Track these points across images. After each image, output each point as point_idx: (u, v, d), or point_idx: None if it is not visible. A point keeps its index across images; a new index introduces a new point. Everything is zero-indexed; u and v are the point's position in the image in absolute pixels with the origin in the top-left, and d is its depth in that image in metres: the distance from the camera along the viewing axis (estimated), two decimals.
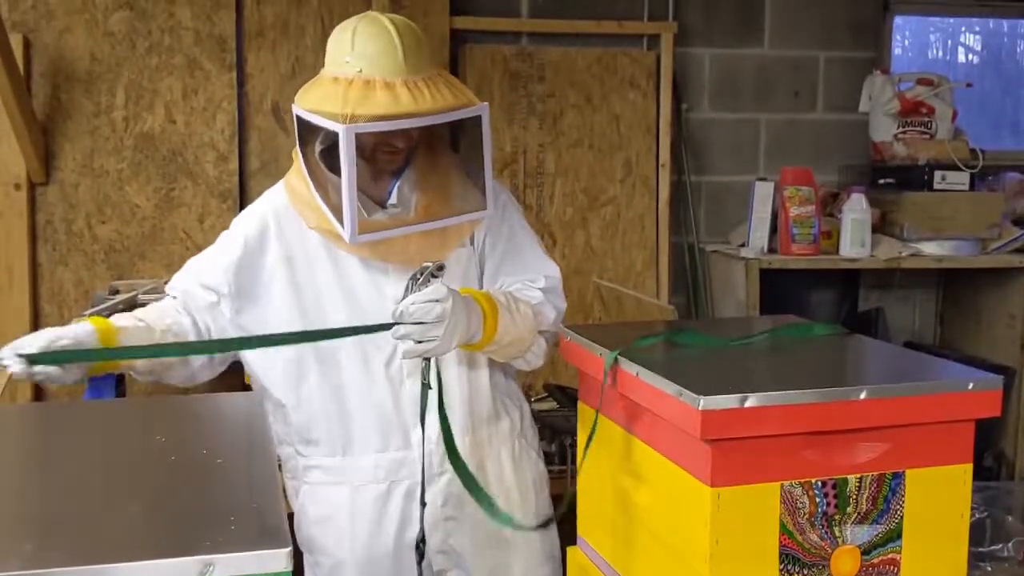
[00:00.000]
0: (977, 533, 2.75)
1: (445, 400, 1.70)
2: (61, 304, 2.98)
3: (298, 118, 1.69)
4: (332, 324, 1.71)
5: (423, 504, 1.70)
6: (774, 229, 3.18)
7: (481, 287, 1.81)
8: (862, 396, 1.31)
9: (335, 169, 1.64)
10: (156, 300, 1.84)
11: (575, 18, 3.27)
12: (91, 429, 1.12)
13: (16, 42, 2.82)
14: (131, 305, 2.46)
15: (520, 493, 1.86)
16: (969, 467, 1.38)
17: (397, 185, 1.72)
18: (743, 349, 1.63)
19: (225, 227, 1.83)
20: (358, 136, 1.58)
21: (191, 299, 1.74)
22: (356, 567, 1.78)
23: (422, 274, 1.55)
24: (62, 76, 2.95)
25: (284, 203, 1.77)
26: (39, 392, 2.91)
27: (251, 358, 1.75)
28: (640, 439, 1.49)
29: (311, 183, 1.69)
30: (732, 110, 3.50)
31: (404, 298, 1.54)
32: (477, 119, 1.67)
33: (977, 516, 2.82)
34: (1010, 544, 2.78)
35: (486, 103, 1.69)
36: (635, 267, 3.35)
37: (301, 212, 1.72)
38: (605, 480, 1.63)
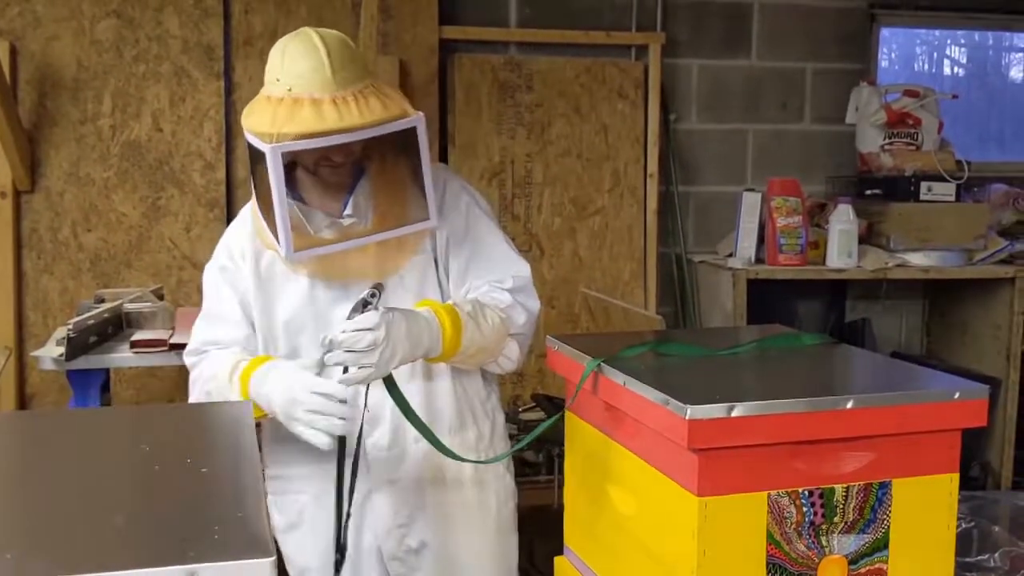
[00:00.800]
0: (964, 543, 2.76)
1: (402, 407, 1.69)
2: (46, 313, 2.96)
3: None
4: (300, 347, 1.73)
5: (346, 512, 1.69)
6: (761, 240, 3.18)
7: (445, 292, 1.79)
8: (849, 405, 1.31)
9: (305, 185, 1.67)
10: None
11: (563, 28, 3.28)
12: (76, 438, 1.11)
13: (2, 49, 2.81)
14: (116, 314, 2.45)
15: (477, 500, 1.83)
16: (955, 477, 1.38)
17: (352, 197, 1.71)
18: (730, 359, 1.64)
19: (212, 237, 1.84)
20: (297, 153, 1.59)
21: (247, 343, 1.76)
22: (320, 573, 1.77)
23: (360, 298, 1.56)
24: (49, 83, 2.94)
25: (250, 228, 1.78)
26: (23, 400, 2.89)
27: None
28: (627, 448, 1.49)
29: (258, 203, 1.70)
30: (720, 121, 3.51)
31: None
32: (412, 130, 1.66)
33: (963, 526, 2.83)
34: (996, 554, 2.78)
35: (421, 114, 1.68)
36: (623, 277, 3.35)
37: (259, 234, 1.73)
38: (592, 489, 1.62)
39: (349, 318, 1.54)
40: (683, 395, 1.29)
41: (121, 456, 1.09)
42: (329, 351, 1.54)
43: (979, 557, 2.79)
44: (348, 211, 1.70)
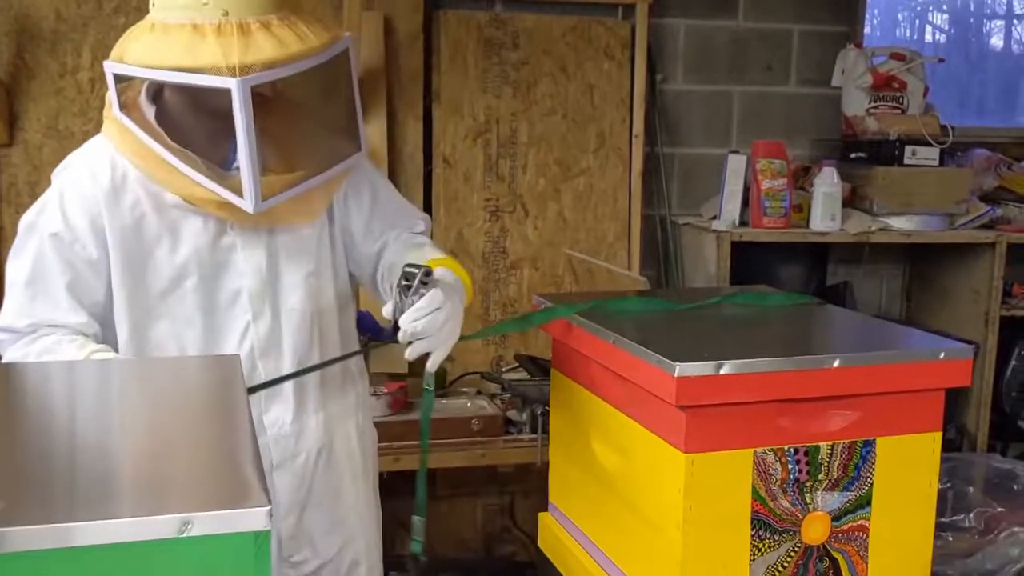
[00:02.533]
0: (939, 504, 2.80)
1: (301, 381, 1.66)
2: None
3: (127, 79, 1.51)
4: (179, 316, 1.59)
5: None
6: (746, 202, 3.19)
7: (336, 247, 1.72)
8: (835, 364, 1.32)
9: (186, 131, 1.51)
10: None
11: None
12: (62, 389, 1.10)
13: None
14: None
15: (363, 465, 1.81)
16: (938, 435, 1.41)
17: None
18: (716, 318, 1.64)
19: None
20: (215, 92, 1.41)
21: (87, 325, 1.57)
22: None
23: (408, 281, 1.46)
24: (26, 36, 2.88)
25: (109, 177, 1.55)
26: None
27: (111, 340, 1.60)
28: (614, 406, 1.49)
29: (165, 152, 1.50)
30: (706, 82, 3.50)
31: (398, 310, 1.46)
32: (345, 53, 1.56)
33: (939, 487, 2.87)
34: (971, 515, 2.83)
35: (350, 34, 1.58)
36: (607, 239, 3.35)
37: (162, 180, 1.53)
38: (576, 447, 1.63)
39: (401, 302, 1.45)
40: (671, 353, 1.30)
41: (109, 407, 1.08)
42: (390, 339, 1.46)
43: (954, 517, 2.83)
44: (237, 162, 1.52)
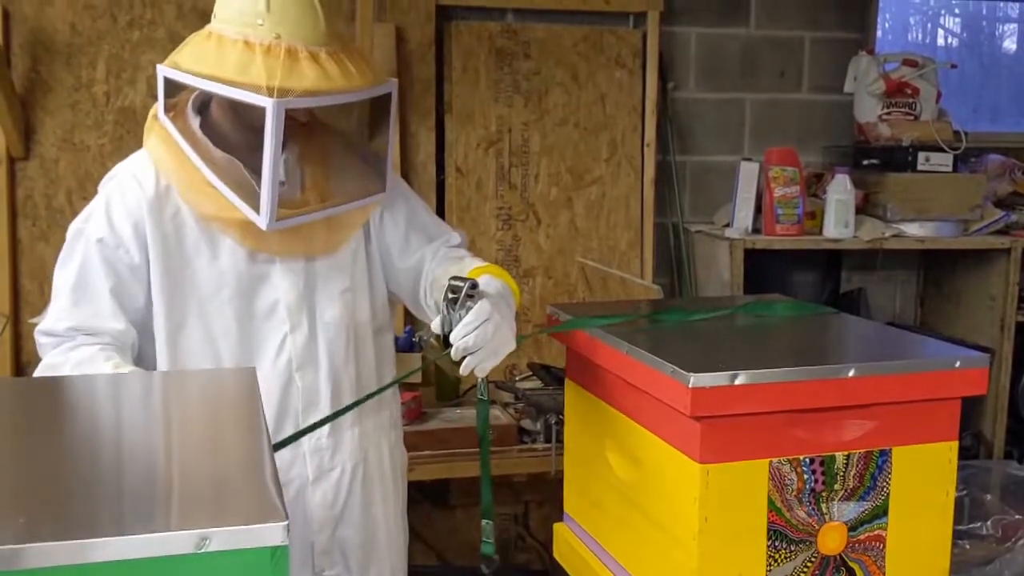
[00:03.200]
0: (956, 511, 2.78)
1: (338, 394, 1.67)
2: (43, 281, 2.94)
3: (175, 81, 1.53)
4: (216, 327, 1.61)
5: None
6: (758, 209, 3.18)
7: (373, 266, 1.74)
8: (851, 374, 1.32)
9: (226, 143, 1.54)
10: None
11: None
12: (80, 403, 1.11)
13: None
14: None
15: (393, 484, 1.83)
16: (955, 444, 1.40)
17: (282, 160, 1.57)
18: (730, 328, 1.64)
19: None
20: (254, 108, 1.45)
21: (127, 335, 1.59)
22: None
23: (455, 294, 1.46)
24: (42, 49, 2.90)
25: (153, 187, 1.58)
26: (19, 369, 2.88)
27: (148, 350, 1.63)
28: (628, 416, 1.49)
29: (199, 162, 1.54)
30: (717, 90, 3.50)
31: (446, 324, 1.46)
32: (387, 96, 1.60)
33: (956, 495, 2.85)
34: (988, 522, 2.81)
35: (395, 79, 1.63)
36: (619, 247, 3.35)
37: (188, 198, 1.58)
38: (591, 458, 1.63)
39: (449, 316, 1.45)
40: (686, 363, 1.30)
41: (127, 421, 1.09)
42: (439, 355, 1.47)
43: (971, 525, 2.82)
44: (280, 177, 1.57)
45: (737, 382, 1.28)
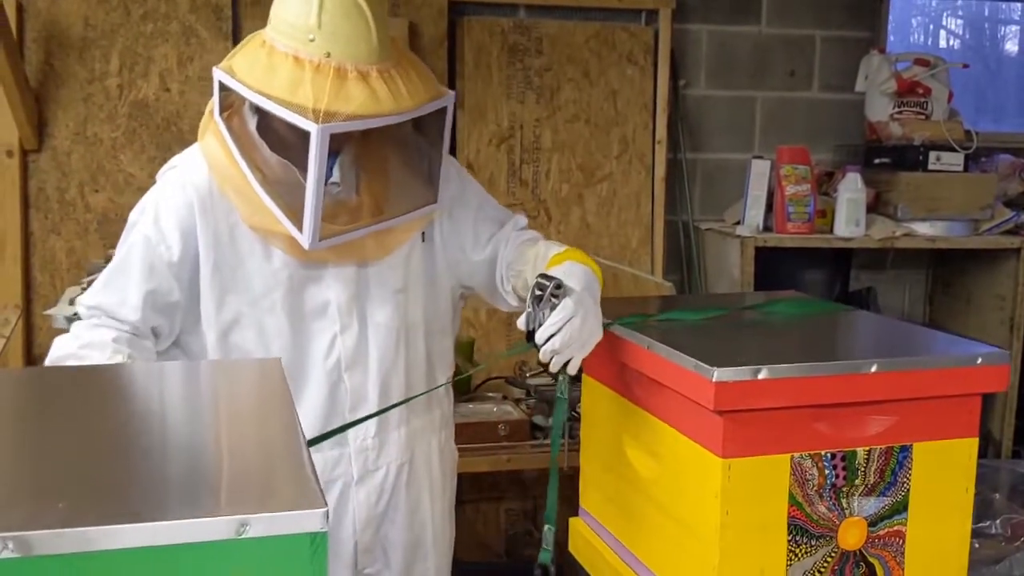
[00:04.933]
0: None
1: (386, 395, 1.67)
2: (53, 273, 2.95)
3: (229, 88, 1.52)
4: (269, 325, 1.61)
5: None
6: (769, 207, 3.19)
7: (429, 262, 1.73)
8: (873, 369, 1.32)
9: (283, 145, 1.52)
10: None
11: None
12: (108, 392, 1.11)
13: (9, 7, 2.78)
14: None
15: (441, 483, 1.83)
16: (975, 441, 1.40)
17: (338, 161, 1.58)
18: (749, 324, 1.64)
19: None
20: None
21: (143, 324, 1.59)
22: None
23: (542, 291, 1.47)
24: (55, 42, 2.91)
25: (207, 182, 1.58)
26: (31, 361, 2.89)
27: (194, 346, 1.64)
28: (648, 411, 1.49)
29: (247, 170, 1.53)
30: (728, 87, 3.50)
31: (532, 321, 1.47)
32: (443, 109, 1.58)
33: None
34: (997, 521, 2.82)
35: (452, 92, 1.60)
36: (630, 244, 3.35)
37: (236, 203, 1.56)
38: (609, 452, 1.64)
39: (535, 314, 1.46)
40: (709, 358, 1.30)
41: (156, 409, 1.09)
42: (524, 348, 1.47)
43: (980, 524, 2.82)
44: (335, 178, 1.58)
45: (760, 376, 1.28)
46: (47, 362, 1.57)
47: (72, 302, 2.23)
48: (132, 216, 1.65)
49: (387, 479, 1.71)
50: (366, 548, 1.72)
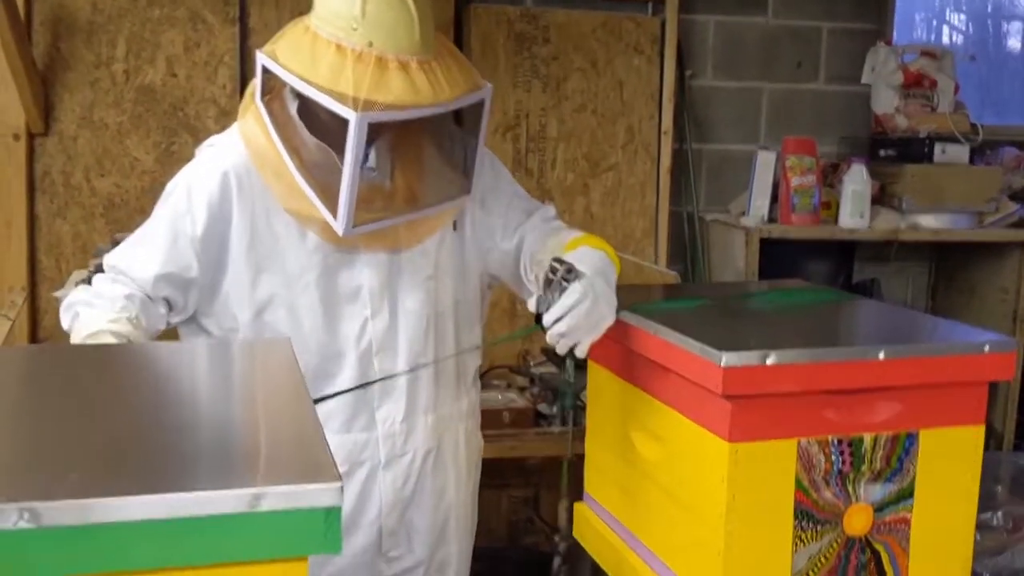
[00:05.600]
0: None
1: (414, 381, 1.68)
2: (59, 257, 2.95)
3: (272, 72, 1.53)
4: (302, 306, 1.62)
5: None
6: (774, 199, 3.18)
7: (460, 249, 1.74)
8: (881, 356, 1.32)
9: (323, 128, 1.52)
10: None
11: None
12: (120, 370, 1.12)
13: None
14: None
15: (467, 470, 1.84)
16: (981, 429, 1.40)
17: (375, 147, 1.59)
18: (756, 311, 1.65)
19: None
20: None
21: (154, 289, 1.60)
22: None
23: (553, 274, 1.47)
24: (63, 26, 2.91)
25: (245, 163, 1.59)
26: (36, 342, 2.89)
27: (215, 329, 1.65)
28: (654, 397, 1.50)
29: (286, 153, 1.54)
30: (735, 78, 3.49)
31: (542, 305, 1.47)
32: (481, 101, 1.58)
33: None
34: (999, 513, 2.82)
35: (491, 84, 1.60)
36: (635, 235, 3.35)
37: (272, 186, 1.58)
38: (615, 438, 1.64)
39: (546, 297, 1.47)
40: (717, 343, 1.30)
41: (170, 386, 1.09)
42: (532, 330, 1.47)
43: (982, 516, 2.83)
44: (371, 163, 1.60)
45: (768, 362, 1.28)
46: (62, 306, 1.60)
47: (79, 284, 2.23)
48: (168, 187, 1.67)
49: (414, 464, 1.73)
50: (391, 531, 1.74)
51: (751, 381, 1.28)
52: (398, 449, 1.71)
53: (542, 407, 2.65)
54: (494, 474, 3.12)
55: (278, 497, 0.75)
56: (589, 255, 1.55)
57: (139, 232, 1.66)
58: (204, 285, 1.62)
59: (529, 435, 2.56)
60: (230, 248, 1.61)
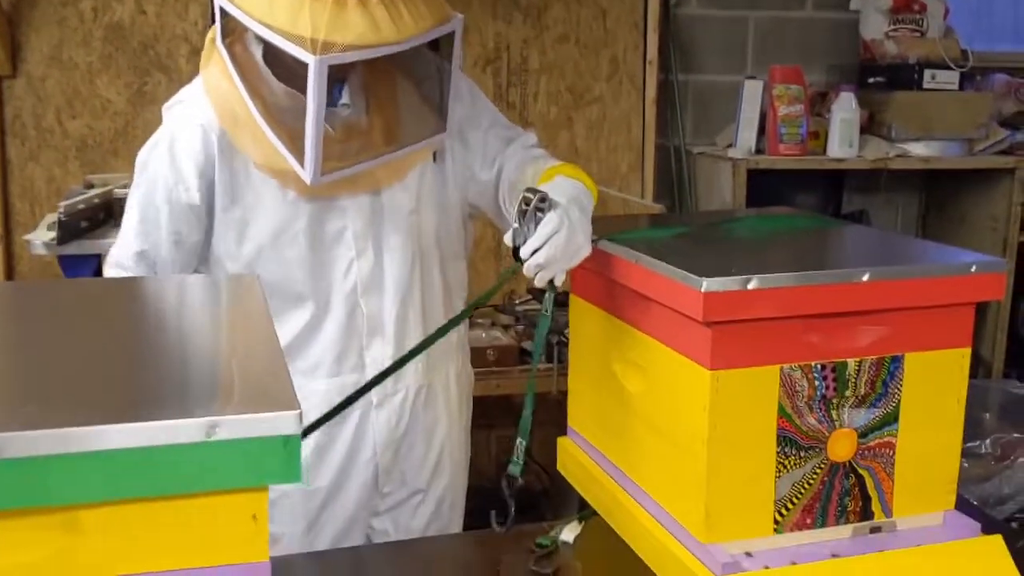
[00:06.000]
0: None
1: (403, 320, 1.67)
2: (32, 201, 2.90)
3: (230, 16, 1.47)
4: (290, 257, 1.60)
5: None
6: (762, 130, 3.14)
7: (441, 181, 1.71)
8: (865, 278, 1.29)
9: (291, 72, 1.46)
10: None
11: None
12: (84, 305, 1.08)
13: None
14: (106, 200, 2.40)
15: (458, 405, 1.84)
16: (967, 351, 1.38)
17: (347, 84, 1.56)
18: (738, 237, 1.61)
19: None
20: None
21: (172, 268, 1.60)
22: (305, 495, 1.72)
23: (527, 205, 1.42)
24: None
25: (217, 117, 1.54)
26: (10, 273, 2.85)
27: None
28: (635, 327, 1.47)
29: (251, 103, 1.48)
30: (721, 6, 3.42)
31: (518, 237, 1.42)
32: (451, 34, 1.53)
33: None
34: (987, 441, 2.81)
35: (461, 15, 1.54)
36: (620, 170, 3.31)
37: (242, 144, 1.53)
38: (597, 371, 1.62)
39: (520, 232, 1.42)
40: (697, 269, 1.27)
41: (132, 320, 1.06)
42: (514, 268, 1.43)
43: (970, 444, 2.82)
44: (344, 100, 1.57)
45: (750, 287, 1.25)
46: None
47: (51, 227, 2.19)
48: (142, 156, 1.62)
49: (406, 402, 1.73)
50: (386, 470, 1.75)
51: (732, 307, 1.25)
52: (390, 388, 1.70)
53: (527, 344, 2.63)
54: (481, 414, 3.11)
55: (235, 425, 0.72)
56: (564, 184, 1.51)
57: (133, 217, 1.61)
58: (204, 245, 1.62)
59: (514, 373, 2.55)
60: (215, 206, 1.58)
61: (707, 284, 1.23)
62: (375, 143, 1.58)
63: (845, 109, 3.07)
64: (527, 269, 1.43)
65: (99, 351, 0.91)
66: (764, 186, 3.12)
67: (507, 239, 1.47)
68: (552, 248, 1.42)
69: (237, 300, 1.10)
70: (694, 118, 3.46)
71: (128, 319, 1.05)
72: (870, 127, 3.21)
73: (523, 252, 1.42)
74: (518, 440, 1.53)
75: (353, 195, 1.62)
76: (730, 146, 3.19)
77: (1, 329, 0.99)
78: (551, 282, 1.47)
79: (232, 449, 0.72)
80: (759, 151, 3.13)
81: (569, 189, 1.51)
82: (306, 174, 1.47)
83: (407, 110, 1.63)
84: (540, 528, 1.53)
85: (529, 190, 1.45)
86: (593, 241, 1.49)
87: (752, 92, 3.11)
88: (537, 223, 1.42)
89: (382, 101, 1.61)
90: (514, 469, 1.52)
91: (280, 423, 0.72)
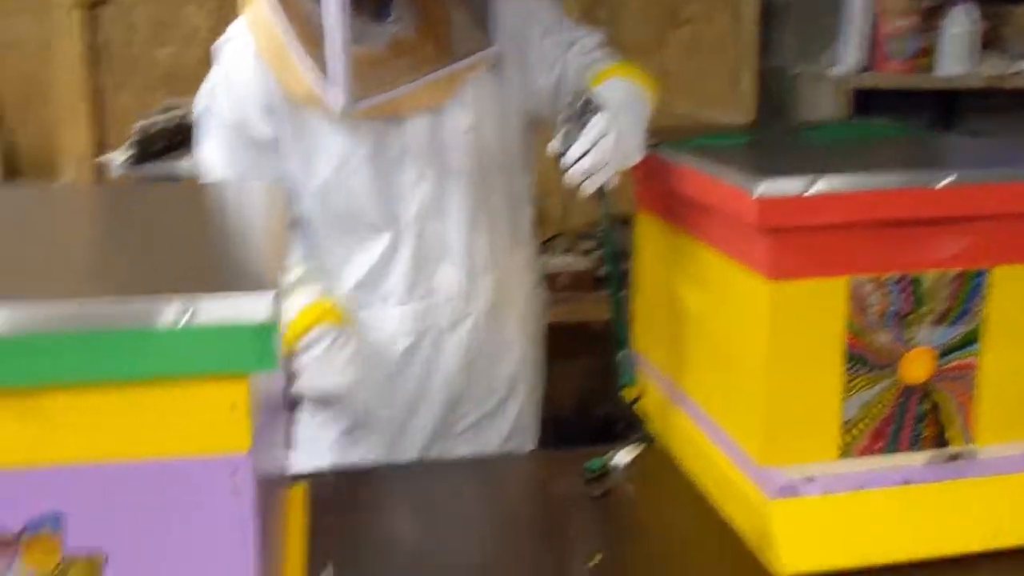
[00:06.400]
0: None
1: (470, 243, 1.62)
2: (122, 130, 2.95)
3: None
4: (356, 185, 1.56)
5: None
6: (871, 47, 2.93)
7: (509, 99, 1.64)
8: (946, 182, 1.17)
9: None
10: None
11: None
12: (81, 206, 1.07)
13: None
14: (186, 123, 2.41)
15: (533, 326, 1.79)
16: None
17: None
18: (810, 143, 1.50)
19: None
20: None
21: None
22: (382, 422, 1.70)
23: (572, 109, 1.37)
24: None
25: (265, 73, 1.50)
26: None
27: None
28: (694, 236, 1.39)
29: (287, 26, 1.43)
30: None
31: (565, 143, 1.37)
32: None
33: None
34: None
35: None
36: (716, 94, 3.15)
37: (282, 79, 1.48)
38: (661, 289, 1.54)
39: (567, 136, 1.37)
40: (753, 171, 1.17)
41: (145, 219, 1.04)
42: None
43: None
44: (391, 18, 1.50)
45: (813, 190, 1.15)
46: None
47: (125, 148, 2.21)
48: (201, 102, 1.59)
49: (477, 326, 1.69)
50: (459, 393, 1.72)
51: (792, 212, 1.15)
52: (460, 312, 1.67)
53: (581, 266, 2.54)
54: (555, 342, 3.06)
55: (208, 308, 0.69)
56: (617, 86, 1.43)
57: (222, 167, 1.57)
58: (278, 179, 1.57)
59: (586, 299, 2.47)
60: (280, 141, 1.55)
61: (763, 187, 1.14)
62: (428, 59, 1.51)
63: (959, 23, 2.83)
64: (572, 175, 1.35)
65: (98, 245, 0.89)
66: (870, 108, 2.94)
67: (551, 146, 1.39)
68: (600, 153, 1.34)
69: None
70: (796, 38, 3.26)
71: (142, 217, 1.03)
72: (986, 43, 2.96)
73: (567, 158, 1.34)
74: (620, 353, 1.46)
75: (414, 115, 1.56)
76: (833, 66, 2.99)
77: (17, 222, 0.98)
78: (603, 192, 1.39)
79: (204, 334, 0.68)
80: (865, 70, 2.93)
81: (622, 91, 1.42)
82: (337, 99, 1.41)
83: (457, 25, 1.55)
84: (597, 451, 1.47)
85: (576, 93, 1.37)
86: (651, 147, 1.40)
87: (859, 3, 2.90)
88: (583, 127, 1.33)
89: (431, 16, 1.54)
90: (627, 379, 1.45)
91: (251, 307, 0.67)
